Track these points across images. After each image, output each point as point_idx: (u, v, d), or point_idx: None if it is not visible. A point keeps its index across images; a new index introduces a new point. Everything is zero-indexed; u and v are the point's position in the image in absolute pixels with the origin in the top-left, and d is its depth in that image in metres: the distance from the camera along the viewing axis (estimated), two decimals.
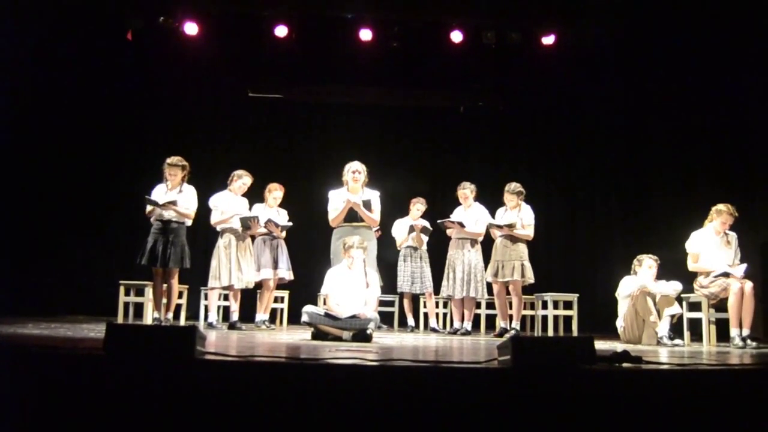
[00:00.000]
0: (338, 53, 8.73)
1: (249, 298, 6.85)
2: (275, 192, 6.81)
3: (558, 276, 8.67)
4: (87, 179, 8.48)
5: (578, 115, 9.31)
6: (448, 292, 6.83)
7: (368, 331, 5.00)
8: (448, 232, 7.00)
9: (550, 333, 6.76)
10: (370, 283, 5.41)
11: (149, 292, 6.42)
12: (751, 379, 2.98)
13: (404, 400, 2.55)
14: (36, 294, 7.78)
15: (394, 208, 7.56)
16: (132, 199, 7.97)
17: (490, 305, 7.24)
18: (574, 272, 8.95)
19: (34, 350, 3.04)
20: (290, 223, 6.81)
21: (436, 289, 7.15)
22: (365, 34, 8.40)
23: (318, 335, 5.11)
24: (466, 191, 6.91)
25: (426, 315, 7.55)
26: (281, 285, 6.99)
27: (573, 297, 6.98)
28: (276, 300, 7.27)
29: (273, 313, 7.23)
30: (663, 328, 5.60)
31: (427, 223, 7.26)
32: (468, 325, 6.77)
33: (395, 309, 7.92)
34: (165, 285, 6.04)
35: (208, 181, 6.91)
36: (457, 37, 8.42)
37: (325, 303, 5.56)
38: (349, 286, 5.37)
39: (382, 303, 6.66)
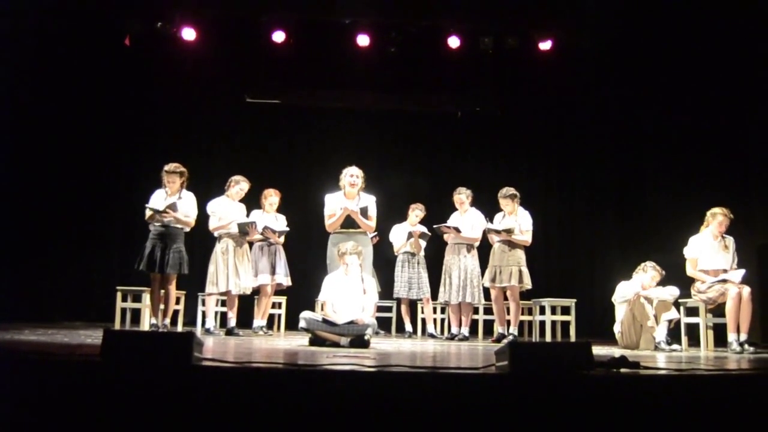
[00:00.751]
0: (336, 58, 8.75)
1: (246, 304, 6.84)
2: (271, 198, 6.78)
3: (556, 281, 8.68)
4: (84, 185, 8.46)
5: (575, 120, 9.33)
6: (445, 298, 6.83)
7: (366, 337, 4.99)
8: (445, 237, 7.00)
9: (548, 338, 6.76)
10: (367, 289, 5.40)
11: (146, 298, 6.40)
12: (749, 385, 2.98)
13: (402, 406, 2.54)
14: (33, 300, 7.76)
15: (392, 214, 7.56)
16: (129, 205, 7.98)
17: (488, 311, 7.24)
18: (572, 277, 8.95)
19: (30, 356, 3.04)
20: (287, 229, 6.80)
21: (434, 295, 7.15)
22: (363, 40, 8.41)
23: (315, 341, 5.10)
24: (462, 196, 6.91)
25: (424, 321, 7.54)
26: (279, 291, 6.97)
27: (570, 302, 6.98)
28: (273, 306, 7.26)
29: (270, 319, 7.21)
30: (660, 333, 5.60)
31: (425, 229, 7.27)
32: (465, 330, 6.77)
33: (393, 315, 7.91)
34: (163, 291, 6.03)
35: (205, 186, 6.90)
36: (454, 42, 8.43)
37: (322, 309, 5.55)
38: (347, 292, 5.37)
39: (379, 309, 6.66)
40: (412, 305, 7.61)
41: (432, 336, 7.13)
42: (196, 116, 9.13)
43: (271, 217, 6.78)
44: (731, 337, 5.46)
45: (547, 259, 8.95)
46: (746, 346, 5.37)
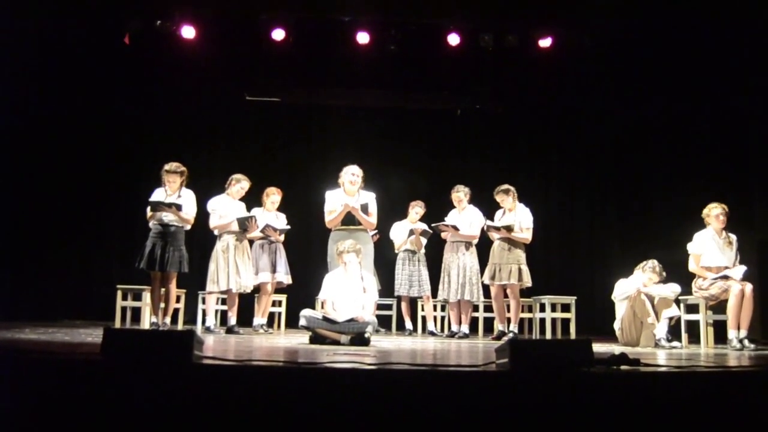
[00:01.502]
0: (335, 56, 8.72)
1: (247, 302, 6.84)
2: (273, 196, 6.80)
3: (556, 278, 8.67)
4: (84, 183, 8.47)
5: (575, 117, 9.32)
6: (444, 296, 6.84)
7: (366, 335, 5.00)
8: (443, 235, 7.00)
9: (548, 336, 6.77)
10: (367, 287, 5.40)
11: (147, 296, 6.41)
12: (749, 381, 2.98)
13: (402, 404, 2.54)
14: (33, 299, 7.78)
15: (392, 211, 7.56)
16: (129, 204, 7.98)
17: (488, 308, 7.24)
18: (572, 275, 8.95)
19: (31, 355, 3.04)
20: (288, 227, 6.81)
21: (434, 293, 7.15)
22: (362, 37, 8.39)
23: (316, 339, 5.11)
24: (460, 194, 6.91)
25: (424, 318, 7.55)
26: (279, 289, 6.98)
27: (571, 300, 6.99)
28: (274, 304, 7.26)
29: (271, 317, 7.21)
30: (661, 330, 5.60)
31: (426, 227, 7.27)
32: (466, 328, 6.78)
33: (393, 312, 7.92)
34: (163, 289, 6.03)
35: (205, 184, 6.89)
36: (454, 40, 8.41)
37: (323, 307, 5.56)
38: (347, 290, 5.37)
39: (379, 306, 6.66)
40: (413, 303, 7.61)
41: (432, 334, 7.14)
42: (196, 114, 9.13)
43: (272, 215, 6.78)
44: (731, 333, 5.48)
45: (547, 256, 8.94)
46: (746, 343, 5.40)
